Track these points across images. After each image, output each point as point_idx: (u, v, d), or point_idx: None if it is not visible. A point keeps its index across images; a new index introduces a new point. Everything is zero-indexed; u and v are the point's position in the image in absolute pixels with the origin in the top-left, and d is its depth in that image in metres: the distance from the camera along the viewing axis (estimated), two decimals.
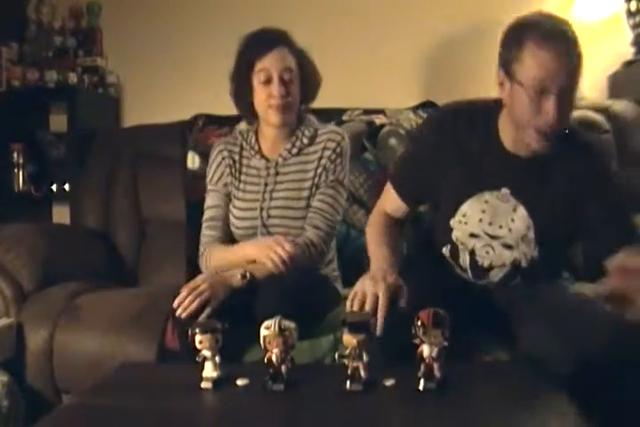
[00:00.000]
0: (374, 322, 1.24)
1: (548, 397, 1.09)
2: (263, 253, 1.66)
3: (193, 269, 1.95)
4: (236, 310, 1.52)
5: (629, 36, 2.44)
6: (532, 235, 1.50)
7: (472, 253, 1.55)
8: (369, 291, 1.34)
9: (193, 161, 2.40)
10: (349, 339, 1.13)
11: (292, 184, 1.84)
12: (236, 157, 1.90)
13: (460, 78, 2.54)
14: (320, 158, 1.83)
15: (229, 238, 1.87)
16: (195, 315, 1.52)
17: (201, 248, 1.86)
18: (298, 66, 1.82)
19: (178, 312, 1.55)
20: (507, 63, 1.42)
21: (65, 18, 2.88)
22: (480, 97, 1.64)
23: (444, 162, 1.55)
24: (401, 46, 2.62)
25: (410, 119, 2.34)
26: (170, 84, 2.82)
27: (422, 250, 1.74)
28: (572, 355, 1.29)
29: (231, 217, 1.87)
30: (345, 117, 2.38)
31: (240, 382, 1.20)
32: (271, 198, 1.83)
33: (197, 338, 1.20)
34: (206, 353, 1.20)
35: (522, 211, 1.50)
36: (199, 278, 1.64)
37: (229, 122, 2.32)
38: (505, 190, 1.50)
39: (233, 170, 1.89)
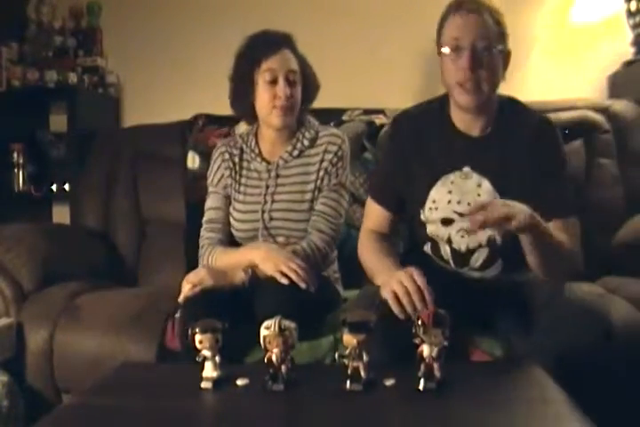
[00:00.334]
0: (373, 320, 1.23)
1: (548, 396, 1.09)
2: (268, 266, 1.64)
3: (193, 269, 1.95)
4: (236, 310, 1.52)
5: (629, 36, 2.44)
6: None
7: (449, 241, 1.59)
8: (408, 285, 1.35)
9: (193, 161, 2.40)
10: (349, 339, 1.13)
11: (293, 187, 1.83)
12: (237, 160, 1.90)
13: None
14: (322, 161, 1.83)
15: (230, 240, 1.86)
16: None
17: (201, 250, 1.84)
18: (299, 69, 1.82)
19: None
20: (437, 42, 1.54)
21: (65, 18, 2.89)
22: None
23: (410, 162, 1.62)
24: (401, 46, 2.62)
25: None
26: (170, 84, 2.82)
27: (409, 250, 1.77)
28: (555, 349, 1.31)
29: (232, 220, 1.87)
30: (345, 117, 2.38)
31: (240, 382, 1.20)
32: (273, 201, 1.82)
33: (197, 338, 1.20)
34: (206, 353, 1.20)
35: (486, 184, 1.54)
36: (200, 271, 1.66)
37: (229, 122, 2.32)
38: (467, 169, 1.56)
39: (233, 173, 1.89)
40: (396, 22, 2.65)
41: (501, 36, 1.51)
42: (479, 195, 1.54)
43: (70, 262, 2.26)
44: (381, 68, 2.68)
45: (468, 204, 1.55)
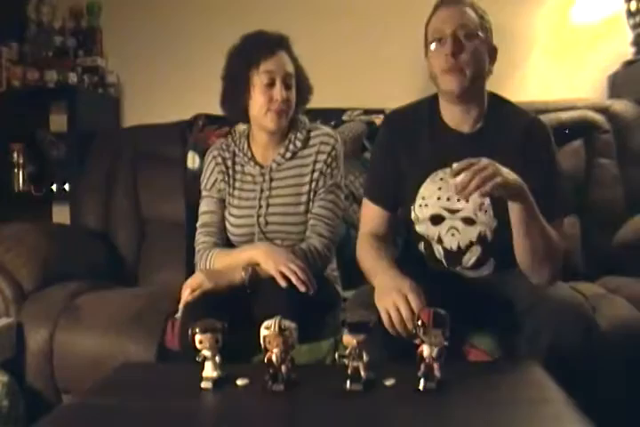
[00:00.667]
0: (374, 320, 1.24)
1: (548, 396, 1.09)
2: (270, 265, 1.63)
3: (193, 270, 1.95)
4: (236, 312, 1.51)
5: (629, 36, 2.44)
6: (487, 202, 1.54)
7: (440, 241, 1.59)
8: (402, 311, 1.34)
9: (193, 161, 2.40)
10: (349, 339, 1.13)
11: (288, 190, 1.82)
12: (230, 164, 1.88)
13: None
14: (315, 162, 1.81)
15: (225, 244, 1.85)
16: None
17: (197, 255, 1.82)
18: (294, 72, 1.81)
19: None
20: (425, 42, 1.59)
21: (65, 18, 2.89)
22: None
23: (401, 159, 1.63)
24: (401, 46, 2.62)
25: None
26: (170, 84, 2.82)
27: (405, 249, 1.76)
28: (540, 348, 1.32)
29: (227, 224, 1.86)
30: (345, 117, 2.38)
31: (240, 382, 1.20)
32: (268, 205, 1.81)
33: (197, 338, 1.20)
34: (206, 353, 1.20)
35: None
36: (199, 275, 1.66)
37: (229, 122, 2.31)
38: (455, 165, 1.53)
39: (226, 177, 1.87)
40: (396, 22, 2.65)
41: (483, 27, 1.56)
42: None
43: (70, 262, 2.26)
44: (381, 68, 2.68)
45: (458, 200, 1.55)
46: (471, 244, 1.58)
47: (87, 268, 2.32)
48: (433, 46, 1.56)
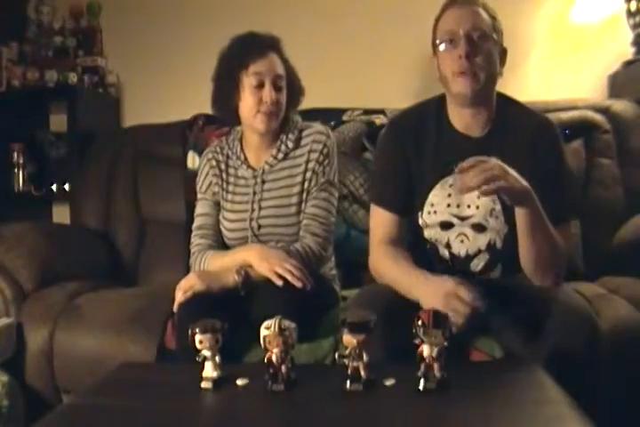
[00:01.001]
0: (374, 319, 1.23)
1: (549, 397, 1.09)
2: (264, 266, 1.63)
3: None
4: (230, 312, 1.51)
5: (629, 36, 2.44)
6: (498, 207, 1.53)
7: (448, 246, 1.57)
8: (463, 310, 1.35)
9: (193, 161, 2.40)
10: (349, 339, 1.13)
11: (280, 191, 1.81)
12: (223, 167, 1.87)
13: None
14: (307, 162, 1.80)
15: (221, 246, 1.84)
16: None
17: (192, 257, 1.82)
18: (285, 74, 1.80)
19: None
20: (433, 42, 1.56)
21: (65, 18, 2.89)
22: None
23: (409, 164, 1.59)
24: (401, 46, 2.62)
25: None
26: (170, 84, 2.82)
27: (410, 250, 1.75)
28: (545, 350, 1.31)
29: (222, 228, 1.85)
30: (345, 117, 2.38)
31: (240, 382, 1.20)
32: (260, 208, 1.80)
33: (197, 338, 1.20)
34: (206, 353, 1.20)
35: None
36: (191, 276, 1.65)
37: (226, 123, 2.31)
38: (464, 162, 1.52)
39: (220, 180, 1.87)
40: (396, 23, 2.65)
41: (495, 29, 1.52)
42: (478, 197, 1.50)
43: (70, 262, 2.26)
44: (381, 68, 2.68)
45: (468, 206, 1.54)
46: (479, 251, 1.56)
47: (87, 268, 2.32)
48: (443, 47, 1.52)
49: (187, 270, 1.78)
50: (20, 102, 2.76)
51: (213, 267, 1.73)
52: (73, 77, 2.73)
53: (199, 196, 1.91)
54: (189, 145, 2.43)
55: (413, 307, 1.33)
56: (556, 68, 2.62)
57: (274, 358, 1.15)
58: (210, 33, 2.75)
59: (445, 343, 1.11)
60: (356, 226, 2.25)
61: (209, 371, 1.20)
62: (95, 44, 2.86)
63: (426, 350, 1.12)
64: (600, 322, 1.45)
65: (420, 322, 1.11)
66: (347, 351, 1.14)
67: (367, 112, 2.39)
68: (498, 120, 1.57)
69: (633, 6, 2.39)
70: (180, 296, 1.63)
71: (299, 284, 1.59)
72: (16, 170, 2.76)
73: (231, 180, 1.87)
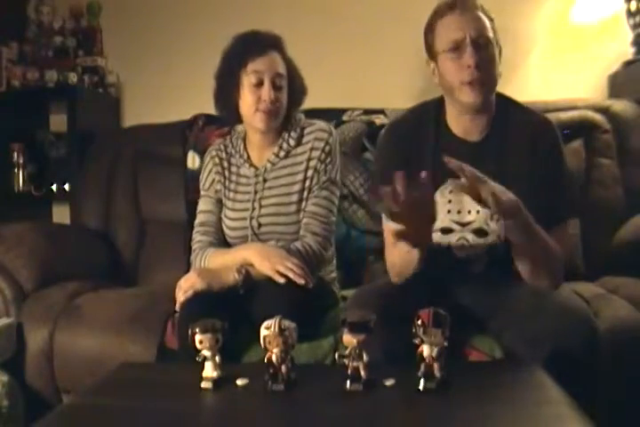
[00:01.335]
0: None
1: (549, 397, 1.09)
2: (265, 265, 1.63)
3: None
4: (231, 310, 1.51)
5: (629, 36, 2.44)
6: None
7: (449, 248, 1.56)
8: None
9: (193, 161, 2.40)
10: (349, 339, 1.13)
11: (280, 189, 1.81)
12: (226, 165, 1.88)
13: None
14: (309, 160, 1.79)
15: (222, 243, 1.84)
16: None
17: (192, 254, 1.83)
18: (287, 73, 1.80)
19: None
20: (429, 48, 1.54)
21: (65, 18, 2.89)
22: None
23: (409, 165, 1.55)
24: (401, 47, 2.61)
25: None
26: (170, 84, 2.81)
27: None
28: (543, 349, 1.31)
29: (224, 226, 1.85)
30: (345, 117, 2.38)
31: (240, 382, 1.20)
32: (260, 206, 1.80)
33: (197, 338, 1.20)
34: (206, 353, 1.20)
35: None
36: (191, 275, 1.66)
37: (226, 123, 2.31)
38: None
39: (223, 178, 1.87)
40: (396, 23, 2.64)
41: (494, 30, 1.51)
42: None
43: (70, 262, 2.26)
44: (381, 68, 2.68)
45: (469, 212, 1.53)
46: (480, 254, 1.55)
47: (87, 268, 2.32)
48: (448, 56, 1.48)
49: (187, 270, 1.78)
50: (20, 102, 2.76)
51: (214, 265, 1.73)
52: (73, 77, 2.73)
53: (202, 193, 1.92)
54: (189, 145, 2.43)
55: (412, 306, 1.33)
56: (556, 68, 2.62)
57: (274, 358, 1.15)
58: (210, 33, 2.75)
59: (445, 343, 1.11)
60: (355, 226, 2.25)
61: (209, 371, 1.20)
62: (95, 44, 2.86)
63: (426, 350, 1.12)
64: (599, 322, 1.46)
65: (419, 322, 1.11)
66: (347, 351, 1.14)
67: (367, 112, 2.39)
68: (496, 123, 1.56)
69: (633, 6, 2.39)
70: (180, 295, 1.63)
71: (301, 281, 1.59)
72: (16, 170, 2.76)
73: (233, 178, 1.87)
